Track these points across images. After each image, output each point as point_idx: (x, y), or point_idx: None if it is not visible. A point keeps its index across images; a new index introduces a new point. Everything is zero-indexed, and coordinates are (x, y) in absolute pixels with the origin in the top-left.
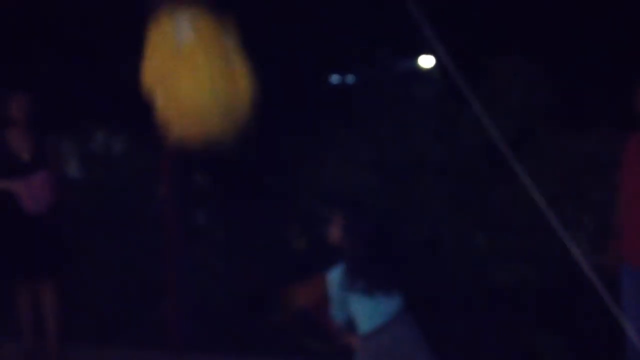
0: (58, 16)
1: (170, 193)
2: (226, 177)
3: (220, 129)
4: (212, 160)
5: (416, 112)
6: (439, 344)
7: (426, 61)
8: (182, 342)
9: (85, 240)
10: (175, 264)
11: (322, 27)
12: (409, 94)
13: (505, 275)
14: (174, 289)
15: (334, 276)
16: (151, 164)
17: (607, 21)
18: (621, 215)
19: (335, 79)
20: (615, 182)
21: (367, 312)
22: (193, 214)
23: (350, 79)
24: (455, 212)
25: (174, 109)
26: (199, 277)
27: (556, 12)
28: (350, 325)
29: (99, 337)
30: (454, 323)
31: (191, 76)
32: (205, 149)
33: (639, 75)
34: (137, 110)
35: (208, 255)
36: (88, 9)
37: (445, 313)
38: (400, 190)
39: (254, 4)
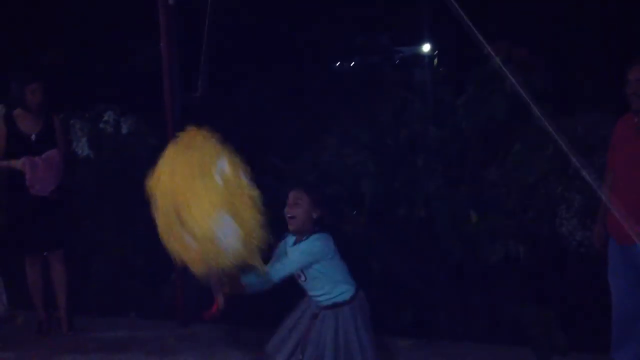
0: (71, 4)
1: None
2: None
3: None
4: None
5: (413, 96)
6: (430, 316)
7: (424, 47)
8: (189, 313)
9: (94, 216)
10: None
11: (325, 13)
12: (407, 78)
13: (495, 251)
14: (181, 263)
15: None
16: (158, 142)
17: (599, 8)
18: (608, 194)
19: (337, 64)
20: (603, 163)
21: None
22: None
23: (351, 64)
24: (448, 191)
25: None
26: None
27: None
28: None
29: (108, 309)
30: (444, 296)
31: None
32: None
33: (629, 60)
34: (145, 92)
35: None
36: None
37: (436, 287)
38: (396, 170)
39: None
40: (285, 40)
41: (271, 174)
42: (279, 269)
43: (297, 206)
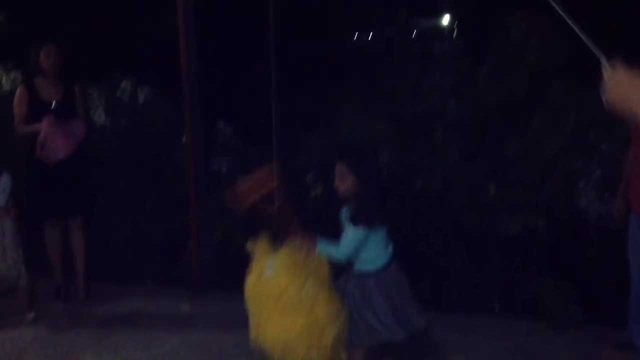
0: None
1: (193, 141)
2: (247, 126)
3: None
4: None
5: (432, 68)
6: (447, 288)
7: (444, 19)
8: (203, 281)
9: (111, 184)
10: (197, 208)
11: None
12: (426, 51)
13: (513, 225)
14: (196, 232)
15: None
16: (174, 112)
17: None
18: (631, 167)
19: (356, 36)
20: (624, 136)
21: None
22: (215, 160)
23: (370, 36)
24: (466, 163)
25: None
26: (219, 221)
27: None
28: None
29: (125, 277)
30: (461, 269)
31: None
32: None
33: None
34: (162, 61)
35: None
36: None
37: (453, 259)
38: (415, 142)
39: None
40: (302, 15)
41: (289, 147)
42: (342, 251)
43: (343, 181)
